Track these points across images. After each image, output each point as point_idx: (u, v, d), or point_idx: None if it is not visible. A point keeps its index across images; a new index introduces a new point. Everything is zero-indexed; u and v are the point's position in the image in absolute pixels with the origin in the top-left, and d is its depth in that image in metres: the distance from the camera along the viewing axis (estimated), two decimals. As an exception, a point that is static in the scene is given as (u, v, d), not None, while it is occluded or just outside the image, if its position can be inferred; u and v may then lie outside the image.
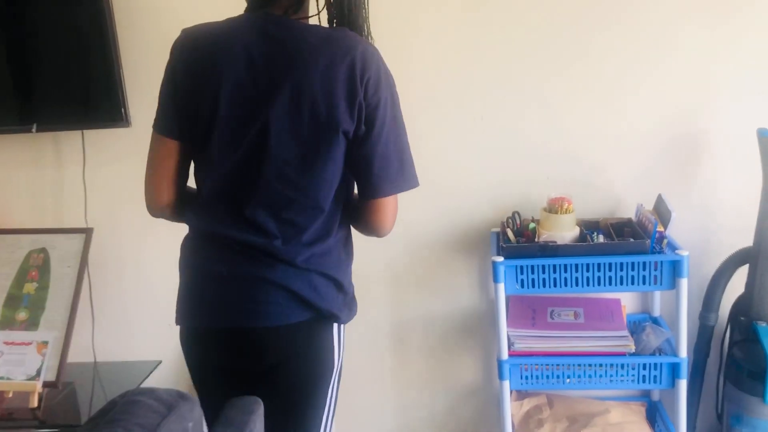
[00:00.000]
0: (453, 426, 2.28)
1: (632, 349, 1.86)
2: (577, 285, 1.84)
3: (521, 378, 1.92)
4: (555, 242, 1.86)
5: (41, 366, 1.96)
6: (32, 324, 2.04)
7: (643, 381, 1.88)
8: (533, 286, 1.85)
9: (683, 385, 1.85)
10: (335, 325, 1.41)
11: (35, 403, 1.93)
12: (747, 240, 1.93)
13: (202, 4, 1.87)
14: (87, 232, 2.13)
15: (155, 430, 1.05)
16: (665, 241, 1.85)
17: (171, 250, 1.48)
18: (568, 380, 1.91)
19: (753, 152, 1.88)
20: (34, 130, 2.11)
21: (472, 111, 2.07)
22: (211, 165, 1.34)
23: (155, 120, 1.37)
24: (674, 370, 1.85)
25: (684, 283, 1.79)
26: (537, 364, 1.91)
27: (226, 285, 1.35)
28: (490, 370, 2.23)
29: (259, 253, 1.34)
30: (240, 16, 1.35)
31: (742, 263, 1.96)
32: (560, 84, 2.03)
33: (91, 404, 2.08)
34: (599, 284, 1.84)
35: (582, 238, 1.90)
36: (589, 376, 1.90)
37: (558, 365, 1.90)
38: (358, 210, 1.40)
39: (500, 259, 1.84)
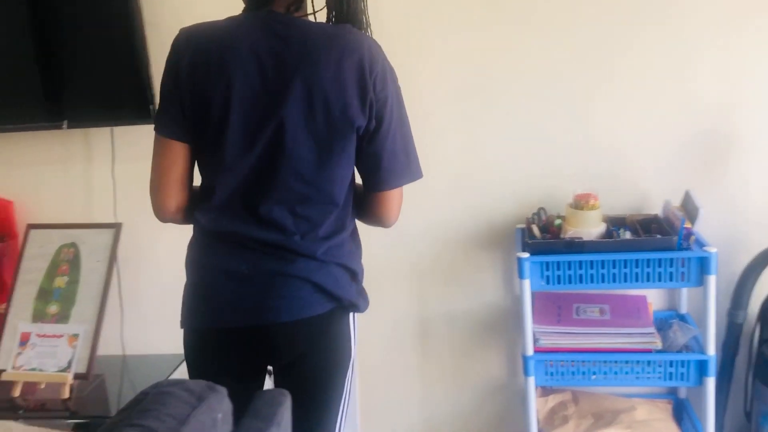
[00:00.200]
0: (478, 421, 2.28)
1: (659, 346, 1.85)
2: (603, 281, 1.84)
3: (546, 374, 1.92)
4: (581, 238, 1.85)
5: (72, 358, 1.99)
6: (63, 317, 2.08)
7: (670, 378, 1.87)
8: (559, 282, 1.85)
9: (711, 383, 1.84)
10: (351, 314, 1.44)
11: (66, 394, 1.96)
12: (777, 237, 1.91)
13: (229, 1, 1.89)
14: (116, 227, 2.16)
15: (186, 420, 1.07)
16: (693, 237, 1.83)
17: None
18: (593, 377, 1.90)
19: (783, 148, 1.86)
20: (65, 126, 2.15)
21: (498, 106, 2.06)
22: (223, 165, 1.32)
23: (159, 123, 1.34)
24: (702, 367, 1.84)
25: (712, 280, 1.77)
26: (562, 361, 1.90)
27: (247, 283, 1.35)
28: (514, 367, 2.23)
29: (279, 250, 1.35)
30: (242, 16, 1.34)
31: (772, 260, 1.94)
32: (586, 78, 2.02)
33: (120, 396, 2.12)
34: (626, 281, 1.83)
35: (608, 234, 1.89)
36: (615, 373, 1.89)
37: (583, 362, 1.89)
38: (364, 202, 1.42)
39: (526, 255, 1.83)
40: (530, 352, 1.89)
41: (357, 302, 1.42)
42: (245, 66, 1.28)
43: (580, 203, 1.90)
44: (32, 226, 2.22)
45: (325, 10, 1.36)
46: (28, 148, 2.30)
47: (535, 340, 1.90)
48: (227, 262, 1.36)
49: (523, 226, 2.03)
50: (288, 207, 1.33)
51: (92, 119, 2.17)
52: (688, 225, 1.82)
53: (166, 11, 2.11)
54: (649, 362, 1.86)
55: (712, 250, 1.77)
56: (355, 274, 1.42)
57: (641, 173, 2.05)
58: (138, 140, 2.21)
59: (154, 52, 2.09)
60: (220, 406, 1.15)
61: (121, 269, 2.26)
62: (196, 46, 1.30)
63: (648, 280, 1.82)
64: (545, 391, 2.14)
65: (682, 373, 1.86)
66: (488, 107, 2.07)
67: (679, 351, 1.87)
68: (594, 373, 1.89)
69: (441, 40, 2.05)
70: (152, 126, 2.11)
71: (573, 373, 1.91)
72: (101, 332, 2.07)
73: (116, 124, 2.19)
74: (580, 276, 1.84)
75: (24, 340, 2.03)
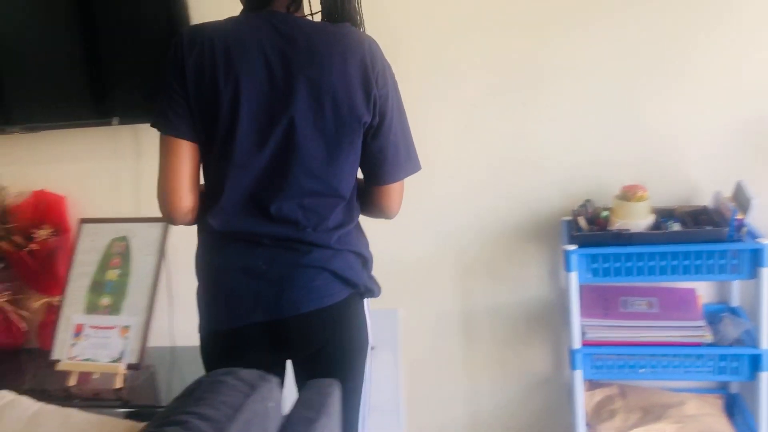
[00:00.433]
0: (523, 415, 2.27)
1: (709, 339, 1.82)
2: (651, 274, 1.81)
3: (593, 368, 1.90)
4: (629, 230, 1.83)
5: (124, 349, 2.05)
6: (115, 309, 2.13)
7: (721, 373, 1.83)
8: (606, 275, 1.83)
9: (765, 377, 1.79)
10: (365, 300, 1.48)
11: (119, 384, 2.02)
12: (833, 228, 1.86)
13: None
14: (165, 221, 2.20)
15: (239, 408, 1.09)
16: (745, 229, 1.79)
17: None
18: (641, 370, 1.87)
19: (840, 136, 1.80)
20: (115, 123, 2.20)
21: (543, 97, 2.05)
22: (231, 164, 1.33)
23: (165, 124, 1.34)
24: (755, 362, 1.80)
25: (766, 272, 1.73)
26: (610, 354, 1.88)
27: (266, 279, 1.38)
28: (560, 360, 2.21)
29: (293, 243, 1.38)
30: (243, 16, 1.36)
31: (828, 252, 1.88)
32: (634, 67, 1.98)
33: (169, 386, 2.17)
34: (674, 273, 1.80)
35: (656, 226, 1.86)
36: (664, 367, 1.86)
37: (631, 355, 1.87)
38: (367, 196, 1.46)
39: (573, 247, 1.82)
40: (577, 345, 1.88)
41: (372, 287, 1.47)
42: (253, 65, 1.30)
43: (628, 195, 1.87)
44: (84, 221, 2.29)
45: (320, 10, 1.39)
46: (80, 144, 2.36)
47: (582, 334, 1.88)
48: (244, 261, 1.38)
49: (569, 218, 2.01)
50: (297, 202, 1.36)
51: (141, 116, 2.21)
52: (739, 216, 1.78)
53: (212, 8, 2.13)
54: (699, 356, 1.83)
55: (766, 241, 1.73)
56: (366, 261, 1.47)
57: (691, 163, 2.01)
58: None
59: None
60: (271, 395, 1.18)
61: (170, 262, 2.30)
62: (201, 47, 1.30)
63: (698, 272, 1.79)
64: (592, 384, 2.12)
65: (734, 368, 1.82)
66: (533, 98, 2.05)
67: (731, 345, 1.84)
68: (642, 367, 1.87)
69: (486, 29, 2.04)
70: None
71: (620, 366, 1.88)
72: (151, 324, 2.12)
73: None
74: (628, 268, 1.81)
75: (78, 332, 2.09)
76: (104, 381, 2.06)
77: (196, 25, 1.35)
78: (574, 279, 1.83)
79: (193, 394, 1.12)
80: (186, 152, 1.34)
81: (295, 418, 1.20)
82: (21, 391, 1.43)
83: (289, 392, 1.47)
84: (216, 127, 1.32)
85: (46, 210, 2.32)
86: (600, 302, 1.98)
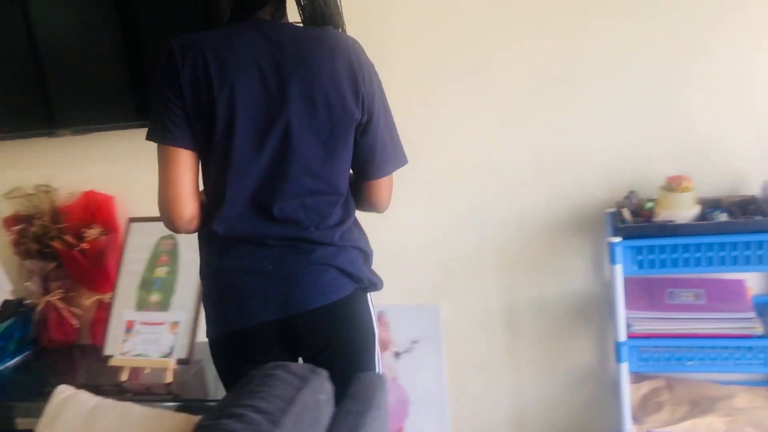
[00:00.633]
0: (568, 408, 2.26)
1: (760, 331, 1.79)
2: (698, 265, 1.79)
3: (639, 360, 1.89)
4: (674, 221, 1.81)
5: (174, 344, 2.10)
6: (164, 305, 2.18)
7: (773, 365, 1.81)
8: (652, 266, 1.81)
9: (817, 369, 1.77)
10: (369, 295, 1.52)
11: (170, 379, 2.07)
12: None
13: None
14: (210, 219, 2.25)
15: (292, 401, 1.12)
16: (795, 218, 1.75)
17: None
18: (689, 363, 1.85)
19: None
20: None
21: (585, 88, 2.03)
22: (231, 170, 1.37)
23: (165, 134, 1.36)
24: (808, 354, 1.77)
25: (817, 262, 1.70)
26: (656, 347, 1.87)
27: (273, 278, 1.42)
28: (604, 353, 2.19)
29: (298, 242, 1.42)
30: (232, 25, 1.39)
31: None
32: (677, 56, 1.95)
33: (218, 380, 2.20)
34: (722, 264, 1.78)
35: (703, 216, 1.84)
36: (713, 359, 1.84)
37: (678, 347, 1.85)
38: (358, 191, 1.52)
39: (617, 239, 1.80)
40: (623, 338, 1.86)
41: (375, 281, 1.52)
42: (246, 72, 1.34)
43: (673, 185, 1.85)
44: (133, 220, 2.34)
45: (302, 15, 1.42)
46: (126, 145, 2.40)
47: (628, 326, 1.87)
48: (250, 262, 1.42)
49: (612, 210, 1.99)
50: (299, 201, 1.40)
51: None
52: (790, 205, 1.74)
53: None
54: (749, 348, 1.80)
55: (817, 231, 1.69)
56: (367, 256, 1.52)
57: (737, 152, 1.97)
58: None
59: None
60: (322, 387, 1.20)
61: (216, 259, 2.34)
62: (194, 58, 1.33)
63: (747, 263, 1.76)
64: (638, 377, 2.10)
65: (785, 360, 1.79)
66: (575, 90, 2.03)
67: (782, 336, 1.81)
68: (690, 359, 1.85)
69: (524, 24, 2.03)
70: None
71: (668, 358, 1.87)
72: (199, 319, 2.17)
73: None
74: (674, 260, 1.79)
75: (129, 328, 2.15)
76: (155, 376, 2.11)
77: (186, 37, 1.37)
78: (619, 271, 1.82)
79: (247, 387, 1.15)
80: (186, 161, 1.37)
81: (345, 411, 1.22)
82: (76, 386, 1.48)
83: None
84: (213, 135, 1.35)
85: (95, 210, 2.37)
86: (645, 294, 1.97)
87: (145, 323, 2.14)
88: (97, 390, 1.50)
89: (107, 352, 2.19)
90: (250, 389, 1.13)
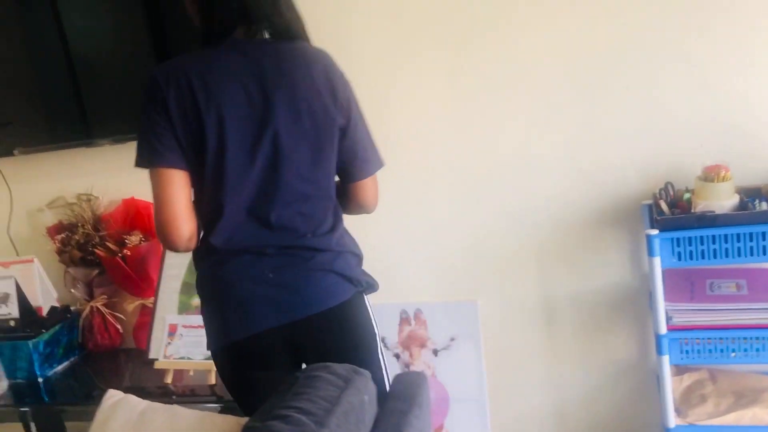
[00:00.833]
0: (609, 402, 2.25)
1: (805, 321, 1.76)
2: (738, 256, 1.76)
3: (681, 353, 1.87)
4: (713, 212, 1.78)
5: (216, 347, 2.13)
6: (205, 309, 2.22)
7: (819, 355, 1.77)
8: (691, 258, 1.79)
9: None
10: (366, 296, 1.56)
11: (213, 380, 2.11)
12: None
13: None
14: (247, 223, 2.28)
15: (337, 402, 1.13)
16: (839, 205, 1.72)
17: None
18: (733, 354, 1.83)
19: None
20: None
21: (618, 78, 2.01)
22: (226, 186, 1.41)
23: (156, 157, 1.38)
24: None
25: None
26: (698, 339, 1.85)
27: (275, 286, 1.45)
28: (644, 346, 2.18)
29: (297, 249, 1.46)
30: (210, 47, 1.42)
31: None
32: (713, 44, 1.92)
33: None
34: (764, 254, 1.75)
35: (742, 206, 1.81)
36: (757, 350, 1.81)
37: (721, 339, 1.83)
38: (345, 194, 1.58)
39: (655, 232, 1.79)
40: (663, 330, 1.85)
41: (372, 282, 1.58)
42: (231, 92, 1.38)
43: (711, 175, 1.83)
44: (172, 226, 2.38)
45: (270, 30, 1.47)
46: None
47: (668, 318, 1.85)
48: (251, 271, 1.45)
49: (649, 202, 1.97)
50: (294, 208, 1.45)
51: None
52: (832, 192, 1.71)
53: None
54: (794, 338, 1.78)
55: None
56: (360, 259, 1.58)
57: (776, 140, 1.94)
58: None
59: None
60: (366, 387, 1.22)
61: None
62: (178, 83, 1.36)
63: (790, 252, 1.73)
64: (679, 369, 2.08)
65: (831, 349, 1.76)
66: (607, 80, 2.01)
67: (828, 326, 1.77)
68: (734, 351, 1.82)
69: (557, 13, 2.01)
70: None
71: (710, 350, 1.84)
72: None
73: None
74: (714, 251, 1.77)
75: (172, 331, 2.19)
76: (198, 378, 2.16)
77: (168, 63, 1.41)
78: (657, 264, 1.80)
79: (292, 389, 1.17)
80: (180, 181, 1.40)
81: (388, 411, 1.24)
82: (123, 390, 1.53)
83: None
84: (206, 154, 1.39)
85: (135, 217, 2.43)
86: (685, 286, 1.95)
87: (188, 326, 2.19)
88: (143, 393, 1.55)
89: (152, 355, 2.23)
90: (294, 391, 1.15)
